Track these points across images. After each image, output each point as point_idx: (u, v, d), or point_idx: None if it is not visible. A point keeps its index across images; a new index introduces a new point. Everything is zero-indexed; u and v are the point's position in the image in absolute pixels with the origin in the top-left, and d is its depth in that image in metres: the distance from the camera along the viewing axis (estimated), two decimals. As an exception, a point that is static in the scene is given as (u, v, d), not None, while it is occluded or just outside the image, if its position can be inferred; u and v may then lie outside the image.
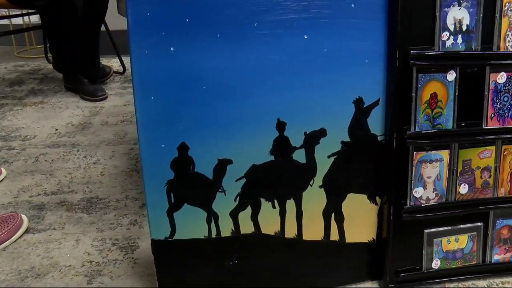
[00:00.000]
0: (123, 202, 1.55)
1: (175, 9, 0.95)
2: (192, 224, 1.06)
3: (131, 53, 0.96)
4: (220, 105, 1.01)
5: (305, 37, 1.00)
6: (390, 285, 1.15)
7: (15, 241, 1.37)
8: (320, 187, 1.08)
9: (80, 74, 2.43)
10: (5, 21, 3.08)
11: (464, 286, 1.18)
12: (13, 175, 1.73)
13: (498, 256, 1.20)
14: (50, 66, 2.76)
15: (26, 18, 3.04)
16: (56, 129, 2.11)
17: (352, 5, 1.01)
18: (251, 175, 1.05)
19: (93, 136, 2.03)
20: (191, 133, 1.01)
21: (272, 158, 1.05)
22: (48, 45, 2.68)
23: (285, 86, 1.01)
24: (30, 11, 2.64)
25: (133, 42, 0.96)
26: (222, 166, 1.04)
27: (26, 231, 1.41)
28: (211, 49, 0.98)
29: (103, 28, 2.52)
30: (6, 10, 2.89)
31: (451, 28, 1.05)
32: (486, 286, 1.18)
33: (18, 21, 3.09)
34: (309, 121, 1.04)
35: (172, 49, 0.97)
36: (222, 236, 1.08)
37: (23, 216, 1.43)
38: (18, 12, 2.71)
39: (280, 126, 1.03)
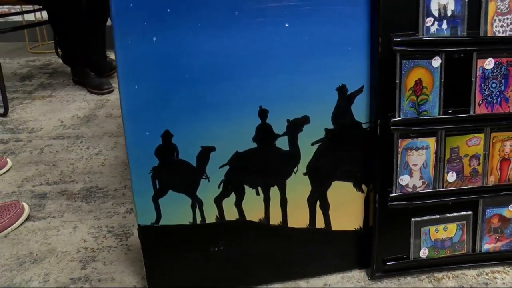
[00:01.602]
0: (121, 192, 1.57)
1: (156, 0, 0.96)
2: (177, 210, 1.08)
3: (115, 43, 0.98)
4: (203, 93, 1.01)
5: (286, 25, 1.00)
6: (377, 274, 1.15)
7: (16, 228, 1.40)
8: (304, 174, 1.08)
9: (87, 67, 2.47)
10: (18, 18, 3.13)
11: (453, 275, 1.17)
12: (18, 165, 1.77)
13: (488, 245, 1.19)
14: (60, 60, 2.81)
15: (38, 14, 3.08)
16: (62, 122, 2.15)
17: (334, -8, 1.01)
18: (234, 162, 1.06)
19: (97, 128, 2.06)
20: (174, 121, 1.03)
21: (255, 145, 1.05)
22: (56, 39, 2.72)
23: (266, 74, 1.02)
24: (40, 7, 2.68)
25: (116, 32, 0.98)
26: (205, 153, 1.05)
27: (27, 219, 1.44)
28: (192, 38, 0.99)
29: (109, 22, 2.54)
30: (20, 6, 2.94)
31: (436, 13, 1.04)
32: (476, 275, 1.17)
33: (30, 17, 3.14)
34: (292, 109, 1.04)
35: (154, 38, 0.98)
36: (207, 222, 1.09)
37: (25, 205, 1.46)
38: (31, 8, 2.76)
39: (263, 113, 1.04)
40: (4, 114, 2.23)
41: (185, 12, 0.98)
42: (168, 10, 0.97)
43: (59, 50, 2.86)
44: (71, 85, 2.61)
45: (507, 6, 1.06)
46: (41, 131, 2.06)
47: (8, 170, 1.74)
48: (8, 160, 1.77)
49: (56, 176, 1.69)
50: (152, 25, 0.97)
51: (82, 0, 2.27)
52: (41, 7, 2.59)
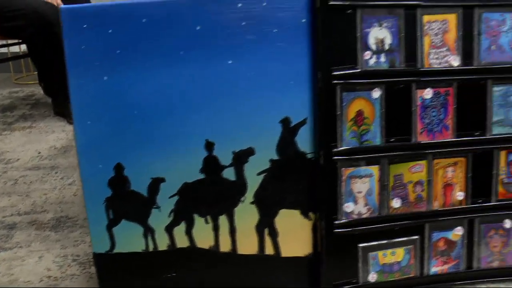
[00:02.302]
0: (89, 221, 1.61)
1: (107, 42, 1.04)
2: (130, 238, 1.12)
3: (69, 82, 1.05)
4: (151, 128, 1.08)
5: (230, 62, 1.06)
6: (327, 298, 1.19)
7: (-19, 260, 1.44)
8: (252, 203, 1.13)
9: (67, 99, 2.52)
10: (4, 50, 3.21)
11: (403, 299, 1.21)
12: (-9, 197, 1.81)
13: (436, 268, 1.23)
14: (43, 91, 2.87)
15: (23, 46, 3.15)
16: (39, 152, 2.20)
17: (275, 30, 1.06)
18: (183, 192, 1.10)
19: (73, 159, 2.10)
20: (126, 154, 1.08)
21: (203, 176, 1.10)
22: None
23: (211, 109, 1.07)
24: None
25: (70, 72, 1.05)
26: (155, 184, 1.10)
27: (-6, 250, 1.48)
28: (141, 77, 1.05)
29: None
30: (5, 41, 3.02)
31: (374, 47, 1.10)
32: (425, 298, 1.21)
33: (15, 49, 3.21)
34: (237, 141, 1.09)
35: (105, 78, 1.05)
36: (159, 249, 1.13)
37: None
38: (16, 40, 2.83)
39: (209, 146, 1.09)
40: (-17, 146, 2.28)
41: (133, 53, 1.04)
42: (118, 51, 1.04)
43: (42, 81, 2.93)
44: (52, 116, 2.66)
45: (440, 40, 1.12)
46: (17, 162, 2.10)
47: (-18, 201, 1.78)
48: (-17, 191, 1.81)
49: (28, 206, 1.73)
50: (103, 65, 1.05)
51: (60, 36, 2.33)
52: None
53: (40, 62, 2.50)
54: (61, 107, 2.58)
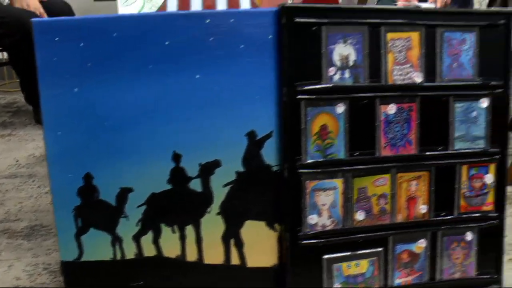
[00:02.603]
0: (63, 230, 1.62)
1: (78, 55, 1.07)
2: (98, 247, 1.14)
3: (41, 93, 1.08)
4: (121, 139, 1.10)
5: (197, 76, 1.09)
6: (292, 308, 1.21)
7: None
8: (218, 214, 1.15)
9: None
10: (-14, 58, 3.22)
11: (367, 309, 1.23)
12: (-34, 205, 1.82)
13: (400, 279, 1.26)
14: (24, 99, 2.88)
15: (5, 53, 3.16)
16: (17, 161, 2.20)
17: (242, 46, 1.10)
18: (151, 202, 1.13)
19: (51, 167, 2.11)
20: (95, 164, 1.11)
21: (170, 186, 1.12)
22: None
23: (179, 122, 1.10)
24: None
25: (42, 83, 1.08)
26: (124, 193, 1.12)
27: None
28: (110, 89, 1.08)
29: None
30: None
31: (338, 63, 1.13)
32: (388, 309, 1.23)
33: (-3, 56, 3.23)
34: (204, 153, 1.12)
35: (76, 89, 1.08)
36: (127, 258, 1.15)
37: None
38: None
39: (176, 157, 1.11)
40: (-38, 154, 2.28)
41: (104, 66, 1.08)
42: (89, 64, 1.07)
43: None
44: (33, 124, 2.67)
45: (404, 57, 1.16)
46: (-6, 170, 2.11)
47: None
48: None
49: (1, 215, 1.73)
50: (74, 78, 1.08)
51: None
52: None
53: (21, 70, 2.51)
54: (41, 115, 2.59)
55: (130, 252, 1.15)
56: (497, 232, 1.27)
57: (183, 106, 1.10)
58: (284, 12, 1.09)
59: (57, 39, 1.05)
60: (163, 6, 1.40)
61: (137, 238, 1.14)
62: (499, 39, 1.19)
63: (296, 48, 1.10)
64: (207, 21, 1.08)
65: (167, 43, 1.08)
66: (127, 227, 1.14)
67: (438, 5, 1.98)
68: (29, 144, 2.41)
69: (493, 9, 1.72)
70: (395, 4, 1.95)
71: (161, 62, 1.08)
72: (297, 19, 1.09)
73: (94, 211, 1.12)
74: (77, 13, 2.62)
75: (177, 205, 1.14)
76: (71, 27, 1.06)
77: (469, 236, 1.26)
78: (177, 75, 1.09)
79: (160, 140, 1.10)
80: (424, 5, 1.95)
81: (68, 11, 2.58)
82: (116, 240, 1.14)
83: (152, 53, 1.08)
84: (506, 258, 1.34)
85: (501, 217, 1.26)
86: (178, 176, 1.12)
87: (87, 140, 1.10)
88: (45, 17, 2.41)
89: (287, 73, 1.10)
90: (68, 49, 1.06)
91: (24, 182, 1.99)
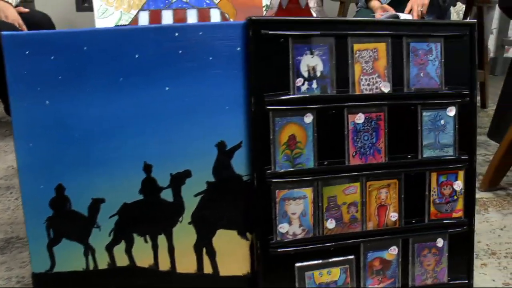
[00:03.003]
0: (43, 241, 1.63)
1: (49, 68, 1.09)
2: (71, 257, 1.16)
3: (11, 106, 1.09)
4: (92, 150, 1.12)
5: (167, 88, 1.11)
6: (265, 316, 1.22)
7: None
8: (189, 223, 1.17)
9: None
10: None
11: (339, 316, 1.25)
12: None
13: (372, 286, 1.27)
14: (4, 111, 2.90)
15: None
16: (-4, 172, 2.22)
17: (211, 58, 1.12)
18: (123, 212, 1.14)
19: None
20: (67, 175, 1.12)
21: (141, 197, 1.14)
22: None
23: (149, 133, 1.12)
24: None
25: (12, 96, 1.10)
26: (96, 204, 1.14)
27: None
28: (81, 101, 1.10)
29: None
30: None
31: (305, 74, 1.15)
32: (360, 316, 1.25)
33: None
34: (175, 163, 1.14)
35: (47, 102, 1.10)
36: (100, 268, 1.16)
37: None
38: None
39: (147, 168, 1.13)
40: None
41: (75, 79, 1.10)
42: (60, 77, 1.09)
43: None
44: (12, 135, 2.68)
45: (371, 67, 1.18)
46: (-27, 183, 2.12)
47: None
48: None
49: (-22, 227, 1.75)
50: (45, 90, 1.09)
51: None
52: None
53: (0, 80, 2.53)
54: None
55: (103, 262, 1.16)
56: (467, 238, 1.28)
57: (154, 118, 1.12)
58: (251, 25, 1.11)
59: (27, 52, 1.08)
60: (135, 19, 1.43)
61: (109, 248, 1.16)
62: (464, 49, 1.22)
63: (263, 59, 1.12)
64: (176, 34, 1.10)
65: (137, 56, 1.10)
66: (99, 237, 1.15)
67: (414, 16, 2.01)
68: (9, 155, 2.42)
69: (456, 20, 1.75)
70: (373, 16, 1.98)
71: (132, 75, 1.10)
72: (264, 32, 1.11)
73: (66, 221, 1.14)
74: (61, 24, 2.63)
75: (149, 215, 1.16)
76: (41, 41, 1.08)
77: (440, 242, 1.28)
78: (147, 88, 1.11)
79: (131, 151, 1.12)
80: (401, 16, 1.98)
81: (48, 22, 2.59)
82: (89, 250, 1.15)
83: (122, 66, 1.10)
84: (479, 263, 1.36)
85: (470, 223, 1.28)
86: (149, 186, 1.14)
87: (59, 152, 1.11)
88: (24, 29, 2.42)
89: (255, 84, 1.12)
90: (39, 62, 1.08)
91: (1, 194, 2.00)
